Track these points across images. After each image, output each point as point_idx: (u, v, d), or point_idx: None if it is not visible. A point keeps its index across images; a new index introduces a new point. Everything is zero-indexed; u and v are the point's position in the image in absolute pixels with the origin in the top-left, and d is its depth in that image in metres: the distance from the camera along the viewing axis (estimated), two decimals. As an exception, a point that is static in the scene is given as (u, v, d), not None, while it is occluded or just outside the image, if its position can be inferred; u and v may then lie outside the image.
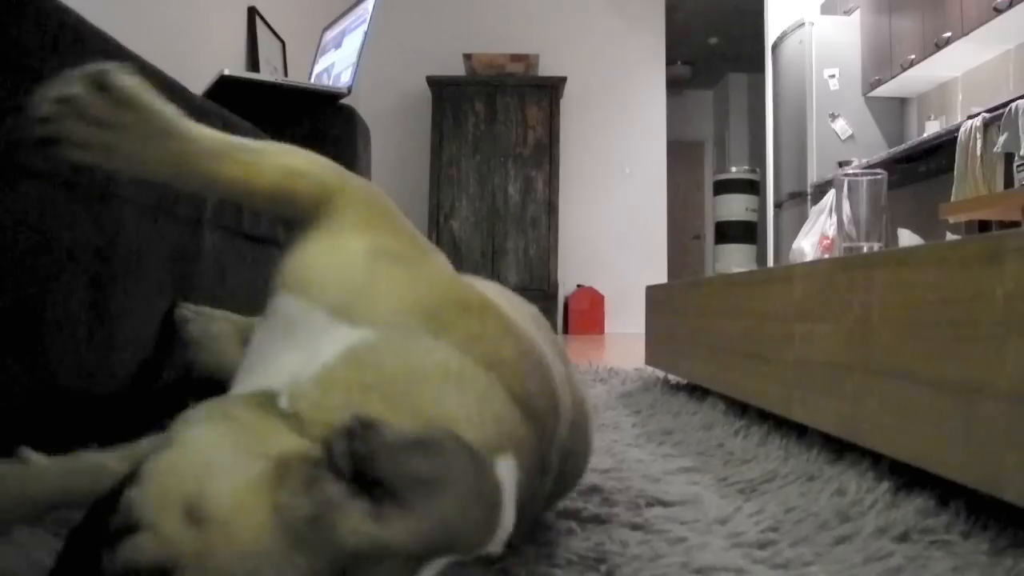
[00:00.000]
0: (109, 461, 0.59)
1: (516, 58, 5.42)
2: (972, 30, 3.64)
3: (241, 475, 0.36)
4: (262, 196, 0.56)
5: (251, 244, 1.23)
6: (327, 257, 0.51)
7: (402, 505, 0.34)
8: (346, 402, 0.40)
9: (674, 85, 7.38)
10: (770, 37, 5.49)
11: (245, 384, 0.47)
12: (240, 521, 0.34)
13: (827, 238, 2.12)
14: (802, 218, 3.76)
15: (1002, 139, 3.03)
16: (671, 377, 1.85)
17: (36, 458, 0.57)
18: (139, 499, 0.35)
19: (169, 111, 0.54)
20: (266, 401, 0.41)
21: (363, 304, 0.47)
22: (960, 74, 4.25)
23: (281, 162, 0.57)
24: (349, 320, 0.46)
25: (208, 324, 0.91)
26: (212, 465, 0.36)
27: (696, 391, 1.54)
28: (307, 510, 0.34)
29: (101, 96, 0.51)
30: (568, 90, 5.60)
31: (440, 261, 0.55)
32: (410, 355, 0.44)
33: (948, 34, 3.81)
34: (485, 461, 0.35)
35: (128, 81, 0.53)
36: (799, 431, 1.01)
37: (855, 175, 1.21)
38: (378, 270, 0.50)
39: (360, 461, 0.35)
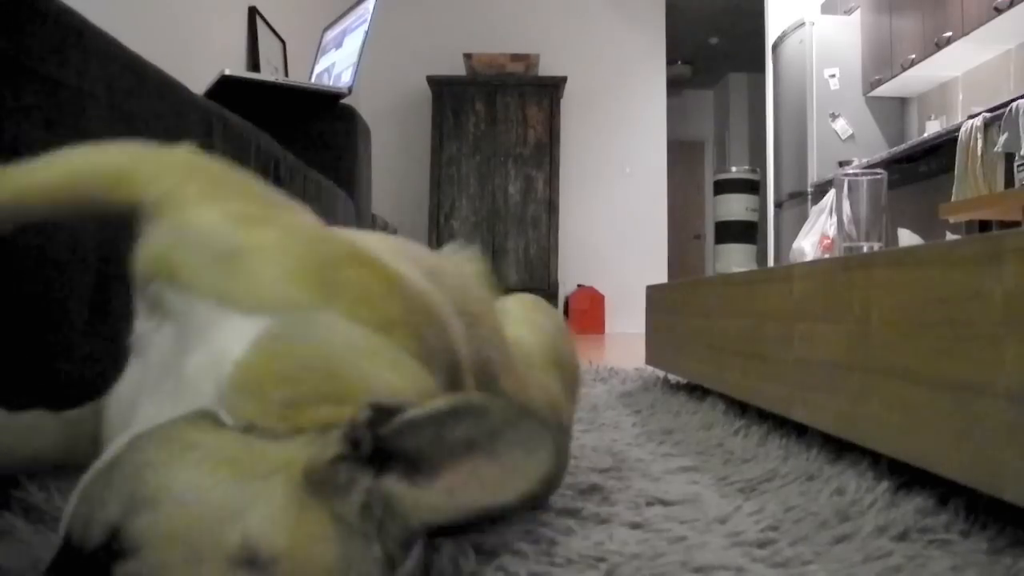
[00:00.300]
0: (87, 415, 0.57)
1: (516, 58, 5.42)
2: (972, 30, 3.64)
3: (272, 502, 0.33)
4: (55, 211, 0.53)
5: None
6: (181, 235, 0.46)
7: (451, 468, 0.35)
8: (285, 398, 0.38)
9: (674, 85, 7.38)
10: (770, 37, 5.49)
11: (161, 397, 0.42)
12: (306, 545, 0.33)
13: (827, 238, 2.13)
14: (802, 218, 3.76)
15: (1002, 139, 3.03)
16: (671, 377, 1.85)
17: None
18: (156, 570, 0.31)
19: None
20: (213, 421, 0.38)
21: (243, 285, 0.43)
22: (960, 74, 4.25)
23: (59, 169, 0.52)
24: (237, 306, 0.43)
25: None
26: (230, 504, 0.33)
27: (696, 391, 1.54)
28: (356, 505, 0.34)
29: None
30: (568, 90, 5.60)
31: (303, 216, 0.51)
32: (314, 338, 0.42)
33: (949, 34, 3.81)
34: (521, 407, 0.36)
35: None
36: (799, 431, 1.01)
37: (855, 175, 1.21)
38: (243, 239, 0.45)
39: (384, 444, 0.35)
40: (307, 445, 0.36)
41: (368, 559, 0.34)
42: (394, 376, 0.41)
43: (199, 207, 0.47)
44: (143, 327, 0.48)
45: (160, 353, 0.45)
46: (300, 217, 0.50)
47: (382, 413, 0.36)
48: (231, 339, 0.41)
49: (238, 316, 0.42)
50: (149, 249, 0.47)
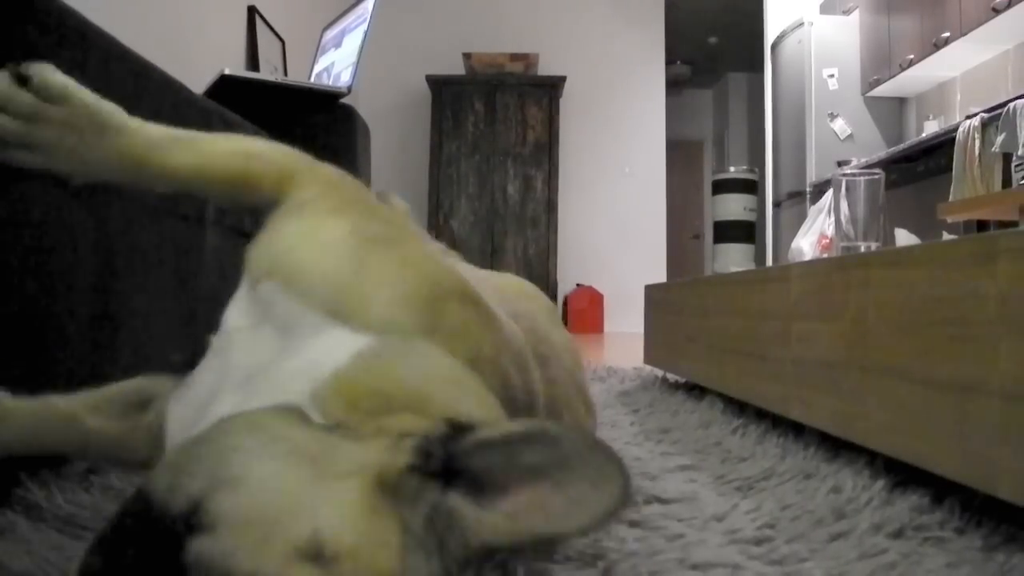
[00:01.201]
0: (79, 411, 0.58)
1: (516, 57, 5.42)
2: (971, 30, 3.65)
3: (344, 503, 0.34)
4: (219, 182, 0.55)
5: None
6: (309, 242, 0.49)
7: (515, 493, 0.35)
8: (373, 408, 0.40)
9: (673, 84, 7.38)
10: (769, 37, 5.49)
11: (245, 394, 0.43)
12: (372, 548, 0.33)
13: (826, 237, 2.13)
14: (801, 217, 3.77)
15: (1000, 139, 3.04)
16: (669, 376, 1.85)
17: (2, 397, 0.56)
18: (228, 552, 0.32)
19: (104, 105, 0.53)
20: (301, 415, 0.39)
21: (356, 304, 0.46)
22: (959, 74, 4.26)
23: (235, 146, 0.56)
24: (345, 323, 0.45)
25: None
26: (306, 498, 0.34)
27: (694, 390, 1.54)
28: (422, 518, 0.35)
29: (23, 90, 0.51)
30: (568, 89, 5.60)
31: (421, 243, 0.54)
32: (413, 362, 0.44)
33: (947, 34, 3.81)
34: (595, 438, 0.35)
35: (52, 75, 0.52)
36: (796, 429, 1.01)
37: (853, 175, 1.22)
38: (364, 258, 0.48)
39: (453, 460, 0.36)
40: (383, 451, 0.37)
41: (427, 572, 0.34)
42: (475, 407, 0.43)
43: (330, 216, 0.50)
44: (236, 324, 0.50)
45: (250, 353, 0.47)
46: (421, 245, 0.53)
47: (456, 430, 0.36)
48: (334, 350, 0.43)
49: (345, 331, 0.45)
50: (272, 245, 0.50)
